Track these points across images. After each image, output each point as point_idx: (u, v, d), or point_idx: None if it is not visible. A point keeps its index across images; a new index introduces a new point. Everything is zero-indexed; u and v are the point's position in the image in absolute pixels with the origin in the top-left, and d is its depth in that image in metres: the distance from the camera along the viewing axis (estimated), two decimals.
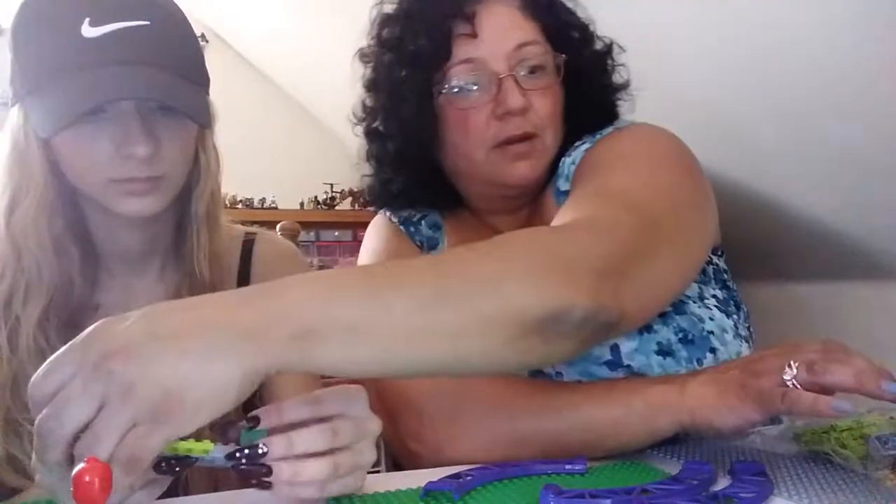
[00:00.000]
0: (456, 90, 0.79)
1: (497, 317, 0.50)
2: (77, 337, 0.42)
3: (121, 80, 0.65)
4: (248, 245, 0.86)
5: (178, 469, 0.44)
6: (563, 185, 0.80)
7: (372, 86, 0.87)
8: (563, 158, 0.82)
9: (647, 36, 1.17)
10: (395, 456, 0.75)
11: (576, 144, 0.82)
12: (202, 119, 0.70)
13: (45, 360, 0.68)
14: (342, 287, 0.47)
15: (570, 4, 0.86)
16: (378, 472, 0.56)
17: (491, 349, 0.50)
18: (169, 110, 0.69)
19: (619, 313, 0.56)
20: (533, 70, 0.79)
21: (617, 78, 0.88)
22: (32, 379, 0.42)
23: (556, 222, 0.67)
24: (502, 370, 0.55)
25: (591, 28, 0.87)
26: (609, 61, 0.87)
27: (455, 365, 0.50)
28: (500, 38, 0.78)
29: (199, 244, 0.77)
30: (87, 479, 0.38)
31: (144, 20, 0.67)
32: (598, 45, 0.87)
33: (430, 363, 0.50)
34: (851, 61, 0.96)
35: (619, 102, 0.89)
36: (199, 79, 0.73)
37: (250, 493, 0.58)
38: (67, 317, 0.71)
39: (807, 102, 1.09)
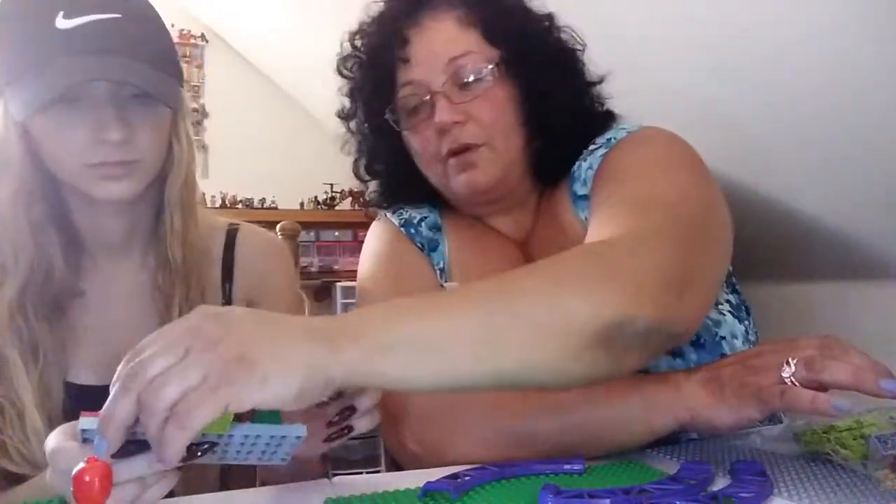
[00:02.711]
0: (405, 113, 0.83)
1: (557, 330, 0.52)
2: (178, 323, 0.46)
3: (93, 67, 0.68)
4: (231, 235, 0.89)
5: (200, 453, 0.45)
6: (580, 189, 0.80)
7: (344, 117, 0.92)
8: (578, 162, 0.82)
9: (648, 36, 1.17)
10: (395, 456, 0.75)
11: (590, 148, 0.81)
12: (173, 103, 0.74)
13: (21, 340, 0.71)
14: (412, 308, 0.52)
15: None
16: (378, 472, 0.56)
17: (554, 362, 0.52)
18: (141, 98, 0.72)
19: (685, 321, 0.58)
20: (467, 82, 0.80)
21: (589, 73, 0.87)
22: (137, 349, 0.44)
23: (593, 234, 0.67)
24: (570, 383, 0.57)
25: (550, 21, 0.86)
26: (567, 48, 0.86)
27: (520, 379, 0.53)
28: (431, 56, 0.81)
29: (172, 230, 0.80)
30: (87, 479, 0.38)
31: (116, 13, 0.71)
32: (562, 36, 0.86)
33: (495, 378, 0.52)
34: (852, 62, 0.96)
35: (610, 102, 0.88)
36: (171, 70, 0.76)
37: (250, 493, 0.58)
38: (52, 301, 0.74)
39: (807, 103, 1.09)
